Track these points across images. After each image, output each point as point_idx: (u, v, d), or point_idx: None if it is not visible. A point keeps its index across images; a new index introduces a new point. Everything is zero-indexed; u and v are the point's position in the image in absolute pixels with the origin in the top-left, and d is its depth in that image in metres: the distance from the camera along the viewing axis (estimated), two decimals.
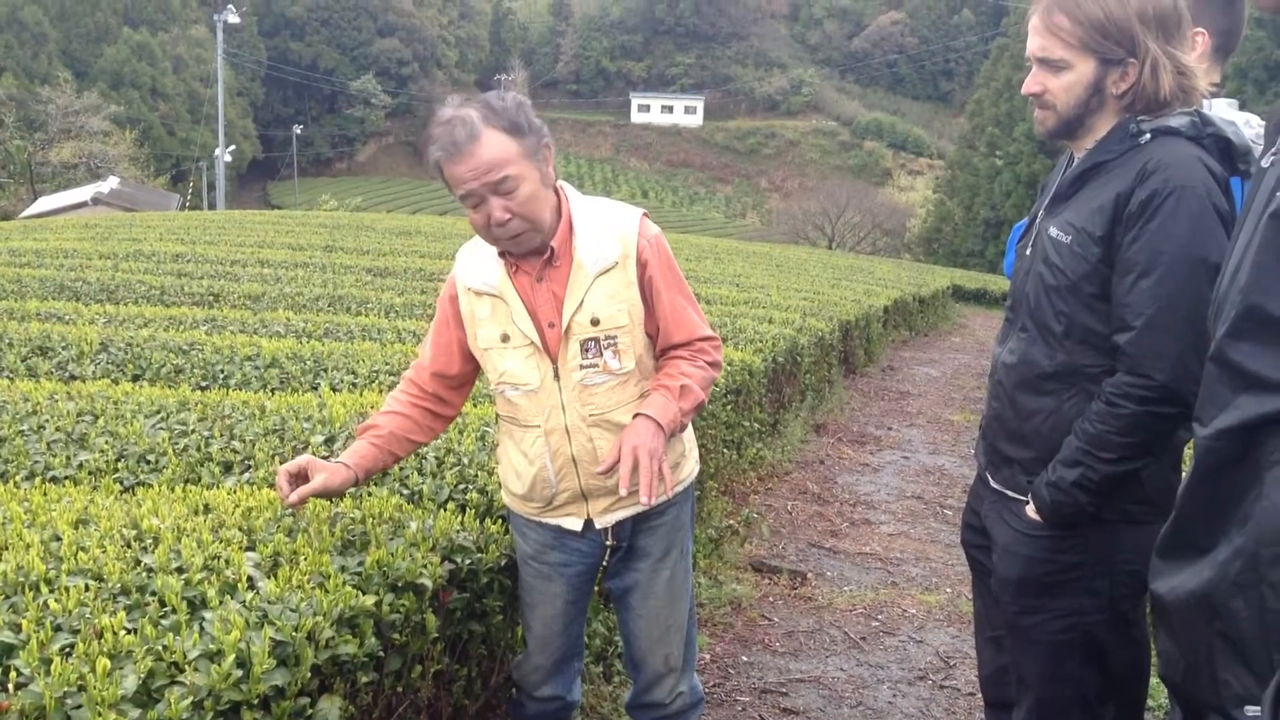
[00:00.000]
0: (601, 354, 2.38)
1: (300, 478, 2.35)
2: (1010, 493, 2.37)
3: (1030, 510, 2.29)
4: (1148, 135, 2.12)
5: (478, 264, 2.44)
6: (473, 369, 2.56)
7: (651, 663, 2.64)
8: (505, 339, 2.41)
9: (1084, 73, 2.16)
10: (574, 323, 2.36)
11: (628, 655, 2.71)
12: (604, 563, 2.57)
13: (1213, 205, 2.04)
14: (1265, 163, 1.35)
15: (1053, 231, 2.22)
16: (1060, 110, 2.21)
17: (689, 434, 2.63)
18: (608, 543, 2.53)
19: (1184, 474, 2.15)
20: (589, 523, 2.49)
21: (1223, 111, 2.58)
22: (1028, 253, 2.33)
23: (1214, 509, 1.28)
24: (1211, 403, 1.29)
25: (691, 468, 2.62)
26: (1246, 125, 2.53)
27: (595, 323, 2.36)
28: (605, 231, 2.39)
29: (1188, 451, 2.17)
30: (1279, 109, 1.36)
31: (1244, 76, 31.85)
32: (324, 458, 2.50)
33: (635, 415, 2.34)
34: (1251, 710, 1.15)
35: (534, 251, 2.36)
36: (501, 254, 2.39)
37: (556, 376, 2.39)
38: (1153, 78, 2.11)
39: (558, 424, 2.41)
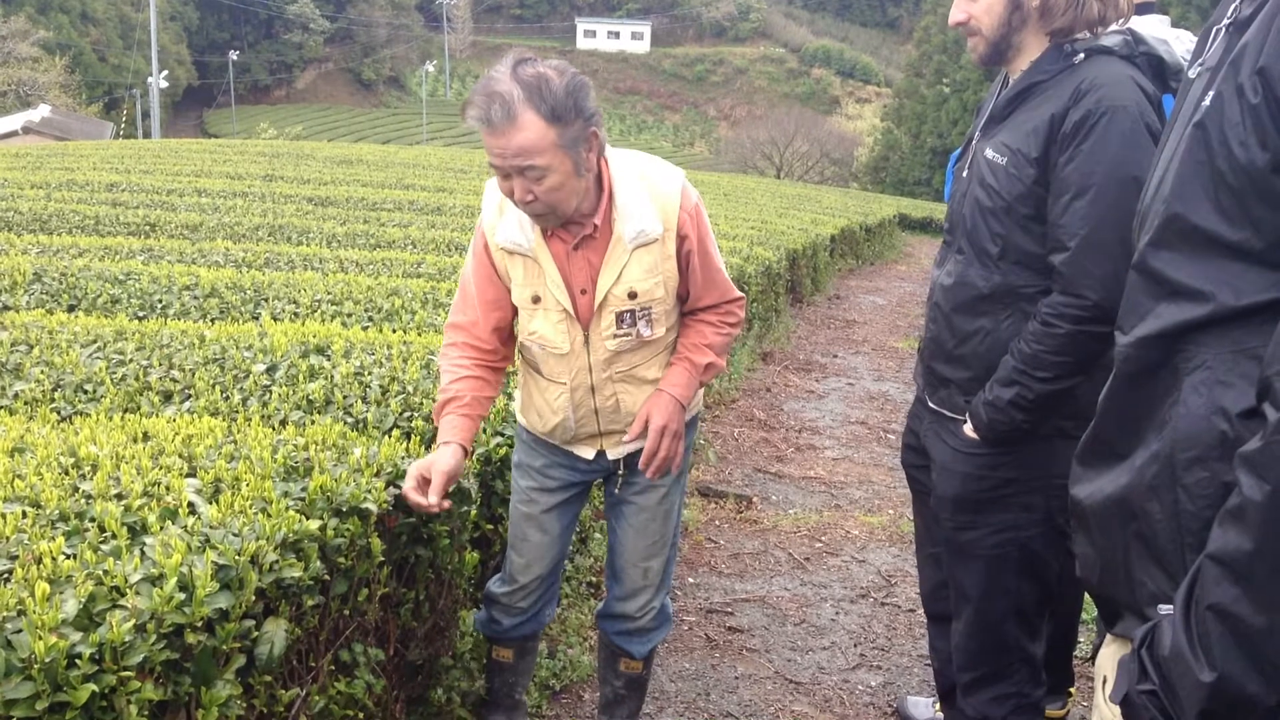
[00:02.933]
0: (635, 324, 2.40)
1: (423, 481, 2.30)
2: (948, 412, 2.41)
3: (968, 429, 2.33)
4: (1081, 55, 2.13)
5: (510, 222, 2.37)
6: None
7: (632, 574, 2.70)
8: (536, 300, 2.40)
9: None
10: (610, 295, 2.36)
11: (610, 566, 2.77)
12: (614, 482, 2.65)
13: (1145, 124, 2.06)
14: (1191, 73, 1.36)
15: (988, 153, 2.23)
16: (987, 34, 2.22)
17: None
18: (619, 473, 2.62)
19: None
20: (601, 453, 2.58)
21: (1154, 28, 2.60)
22: (964, 175, 2.34)
23: (1132, 415, 1.31)
24: (1133, 311, 1.31)
25: (698, 399, 2.67)
26: (1177, 41, 2.55)
27: (632, 296, 2.37)
28: (647, 204, 2.34)
29: None
30: (1211, 22, 1.37)
31: (1187, 3, 31.97)
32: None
33: (660, 390, 2.43)
34: (1164, 608, 1.18)
35: (572, 222, 2.32)
36: None
37: (586, 342, 2.41)
38: None
39: (583, 382, 2.46)
